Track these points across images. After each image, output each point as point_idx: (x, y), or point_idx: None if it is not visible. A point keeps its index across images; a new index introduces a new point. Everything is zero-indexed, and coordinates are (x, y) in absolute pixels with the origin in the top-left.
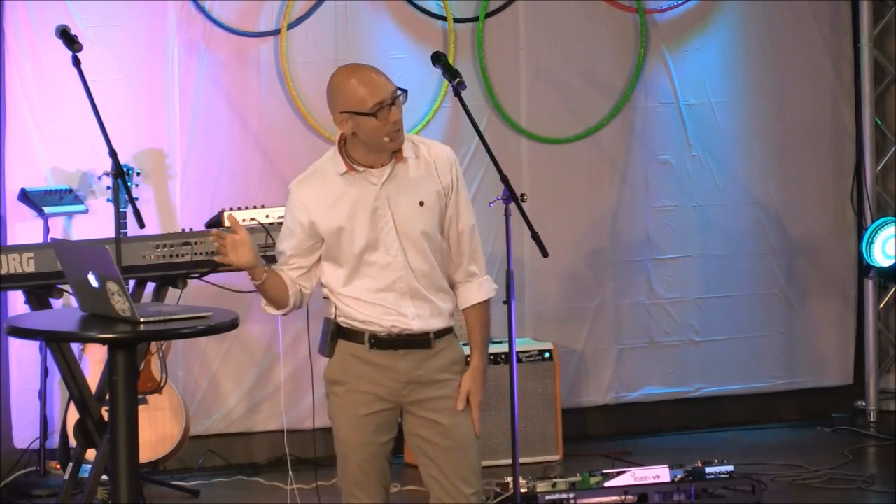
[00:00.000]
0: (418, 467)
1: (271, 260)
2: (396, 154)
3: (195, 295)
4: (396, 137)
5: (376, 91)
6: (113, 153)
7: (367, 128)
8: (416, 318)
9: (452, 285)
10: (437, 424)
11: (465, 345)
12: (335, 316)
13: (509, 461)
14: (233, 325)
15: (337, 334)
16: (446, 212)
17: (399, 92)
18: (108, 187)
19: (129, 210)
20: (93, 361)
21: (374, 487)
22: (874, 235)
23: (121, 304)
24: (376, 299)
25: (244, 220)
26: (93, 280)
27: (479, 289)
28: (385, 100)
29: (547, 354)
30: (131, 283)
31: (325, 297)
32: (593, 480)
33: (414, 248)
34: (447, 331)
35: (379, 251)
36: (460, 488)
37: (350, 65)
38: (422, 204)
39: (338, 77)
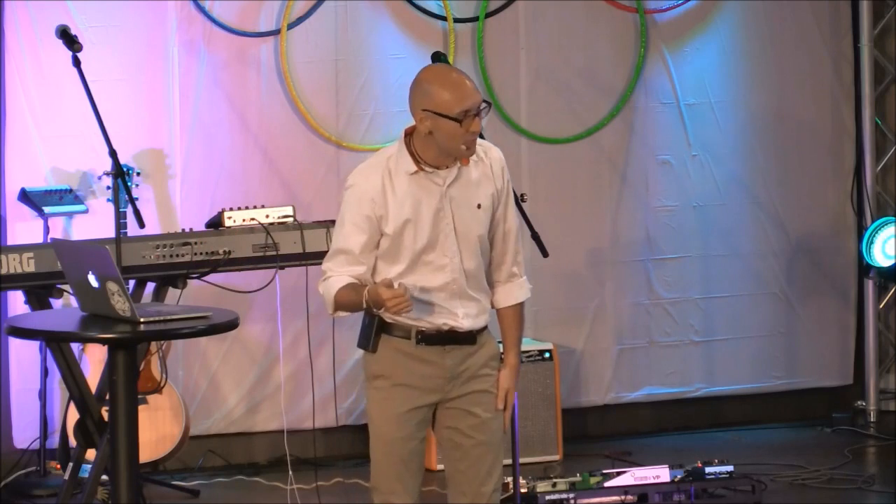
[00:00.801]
0: (443, 459)
1: (272, 260)
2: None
3: (195, 295)
4: (472, 146)
5: (466, 97)
6: (113, 153)
7: (446, 131)
8: (466, 318)
9: (492, 284)
10: (475, 417)
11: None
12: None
13: (509, 461)
14: (233, 325)
15: (381, 329)
16: (496, 213)
17: (485, 104)
18: (108, 187)
19: (129, 210)
20: (93, 361)
21: (414, 483)
22: (874, 235)
23: (121, 304)
24: (428, 297)
25: (244, 220)
26: (93, 280)
27: (521, 289)
28: (472, 108)
29: (547, 354)
30: (131, 283)
31: None
32: (593, 480)
33: (469, 250)
34: (485, 326)
35: (436, 251)
36: (483, 486)
37: (443, 65)
38: (479, 206)
39: (428, 74)
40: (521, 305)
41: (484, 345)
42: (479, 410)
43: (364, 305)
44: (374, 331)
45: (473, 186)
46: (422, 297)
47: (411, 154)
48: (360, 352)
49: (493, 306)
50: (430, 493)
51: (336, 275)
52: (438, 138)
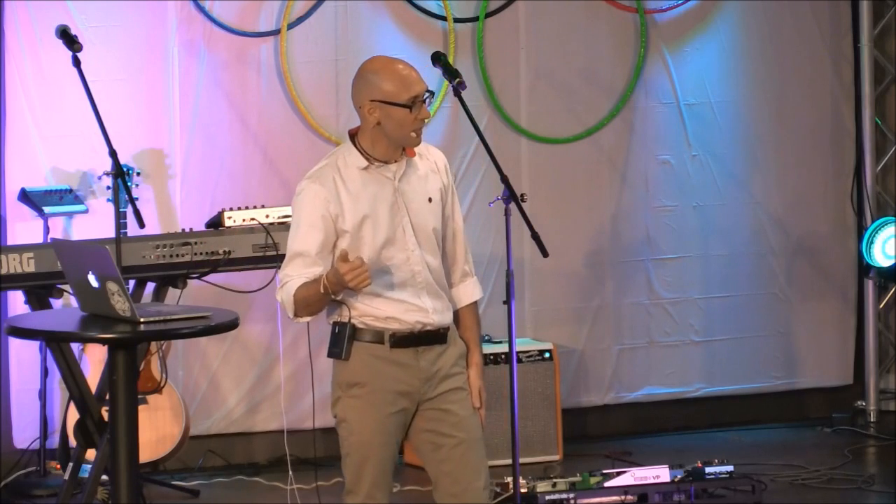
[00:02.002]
0: (425, 464)
1: (272, 260)
2: (407, 150)
3: (195, 295)
4: (420, 134)
5: (413, 85)
6: (113, 153)
7: (396, 119)
8: (435, 313)
9: (449, 284)
10: (453, 415)
11: None
12: (350, 318)
13: (509, 461)
14: (233, 325)
15: (353, 336)
16: (444, 210)
17: (428, 93)
18: (108, 187)
19: (129, 210)
20: (93, 361)
21: (389, 487)
22: (874, 235)
23: (121, 304)
24: (395, 295)
25: (244, 220)
26: (93, 280)
27: (475, 288)
28: (420, 94)
29: (547, 354)
30: (131, 283)
31: (334, 300)
32: (593, 480)
33: (427, 244)
34: (450, 325)
35: (396, 246)
36: (473, 483)
37: (384, 56)
38: (430, 200)
39: (372, 65)
40: (476, 304)
41: (452, 343)
42: (456, 408)
43: (322, 291)
44: (347, 338)
45: (422, 180)
46: (390, 296)
47: (359, 151)
48: None
49: (456, 306)
50: (412, 493)
51: (293, 279)
52: (387, 128)
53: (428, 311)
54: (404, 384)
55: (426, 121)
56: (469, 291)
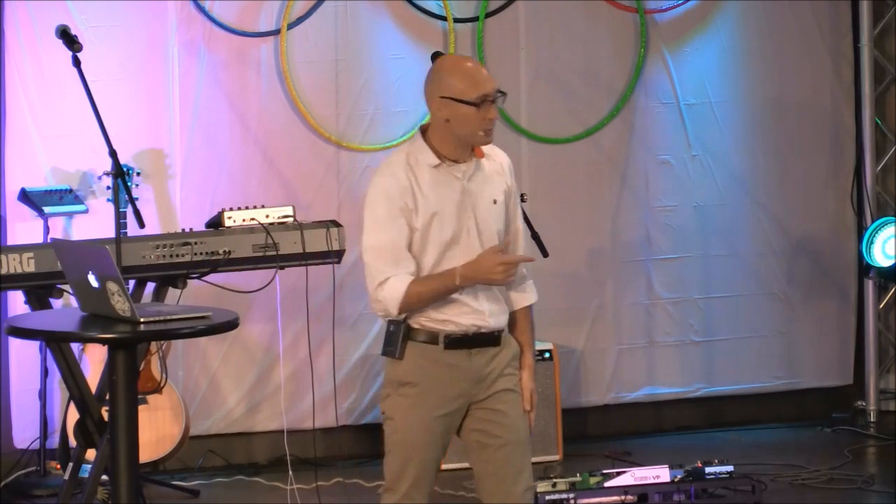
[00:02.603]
0: (471, 462)
1: (272, 260)
2: (476, 151)
3: (195, 295)
4: (489, 133)
5: (482, 83)
6: (113, 153)
7: (464, 117)
8: (492, 316)
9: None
10: (503, 415)
11: None
12: (405, 317)
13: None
14: (233, 325)
15: (408, 336)
16: (508, 211)
17: (499, 93)
18: (108, 187)
19: (129, 210)
20: (93, 361)
21: (429, 490)
22: (874, 235)
23: (121, 304)
24: (455, 296)
25: (244, 220)
26: (93, 280)
27: (531, 291)
28: (489, 94)
29: (547, 354)
30: (131, 283)
31: None
32: (593, 480)
33: (490, 245)
34: (505, 326)
35: (460, 246)
36: (514, 486)
37: (457, 55)
38: (495, 202)
39: (444, 64)
40: (531, 307)
41: (506, 345)
42: (506, 409)
43: (457, 283)
44: (402, 337)
45: (489, 182)
46: (453, 297)
47: (430, 148)
48: (360, 352)
49: (511, 308)
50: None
51: (395, 276)
52: (455, 126)
53: (485, 314)
54: (455, 387)
55: (492, 126)
56: (526, 295)
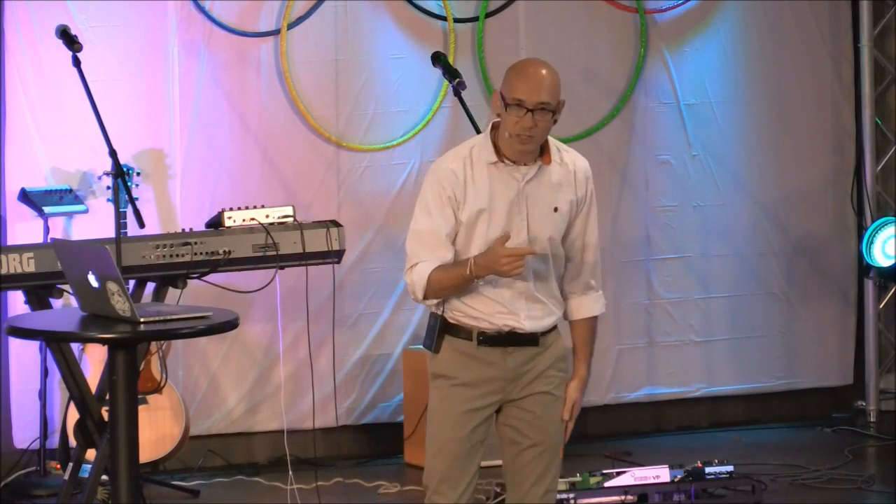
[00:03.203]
0: (501, 456)
1: (272, 260)
2: (544, 156)
3: (195, 295)
4: (523, 142)
5: (522, 87)
6: (113, 153)
7: (503, 115)
8: (529, 320)
9: (567, 294)
10: (536, 417)
11: None
12: (443, 311)
13: None
14: (233, 325)
15: (444, 330)
16: (574, 222)
17: (542, 106)
18: (108, 187)
19: (129, 210)
20: (93, 361)
21: (463, 486)
22: (874, 235)
23: (121, 304)
24: (493, 295)
25: (244, 220)
26: (93, 280)
27: (595, 302)
28: (525, 101)
29: None
30: (131, 283)
31: None
32: (593, 480)
33: (539, 251)
34: (553, 328)
35: (509, 247)
36: (534, 488)
37: (534, 58)
38: (556, 210)
39: (516, 62)
40: (594, 319)
41: (550, 346)
42: (540, 411)
43: (468, 273)
44: (438, 331)
45: (553, 189)
46: (487, 295)
47: (494, 145)
48: (360, 352)
49: (566, 317)
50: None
51: (426, 261)
52: (502, 121)
53: (520, 317)
54: (489, 382)
55: (529, 134)
56: (588, 305)
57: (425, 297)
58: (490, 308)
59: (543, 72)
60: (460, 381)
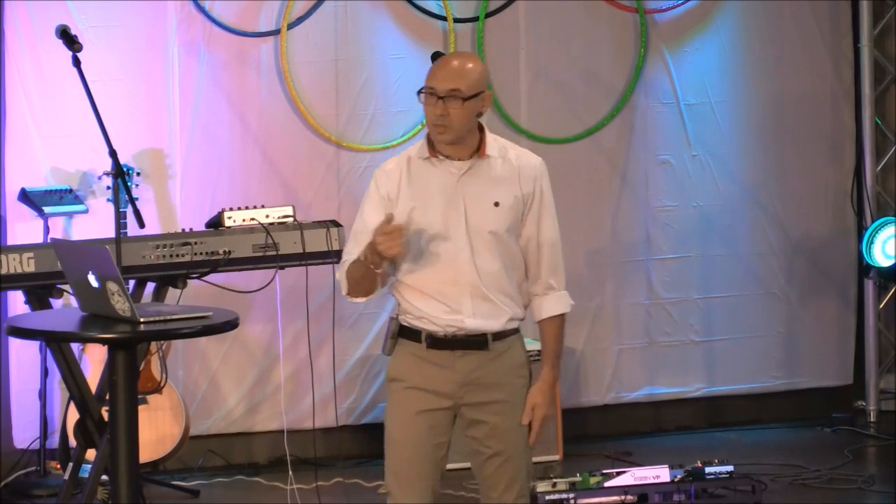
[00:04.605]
0: (471, 464)
1: (272, 260)
2: (479, 150)
3: (195, 295)
4: (436, 132)
5: (435, 77)
6: (113, 153)
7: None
8: (472, 317)
9: (530, 296)
10: (491, 427)
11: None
12: (397, 314)
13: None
14: (233, 325)
15: (398, 333)
16: (525, 220)
17: (452, 91)
18: (108, 187)
19: (129, 210)
20: (93, 361)
21: (420, 488)
22: (874, 235)
23: (121, 304)
24: (436, 293)
25: (244, 220)
26: (93, 280)
27: (557, 302)
28: (435, 89)
29: None
30: (131, 283)
31: (391, 291)
32: (593, 480)
33: (483, 246)
34: (509, 333)
35: (448, 242)
36: (504, 495)
37: (460, 52)
38: (497, 205)
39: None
40: (559, 319)
41: (504, 353)
42: (497, 420)
43: (362, 259)
44: (390, 334)
45: (492, 183)
46: (431, 293)
47: (430, 142)
48: (360, 352)
49: (533, 319)
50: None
51: (350, 255)
52: None
53: (462, 314)
54: (440, 385)
55: (441, 123)
56: (549, 306)
57: (349, 293)
58: (435, 308)
59: (456, 62)
60: (413, 384)
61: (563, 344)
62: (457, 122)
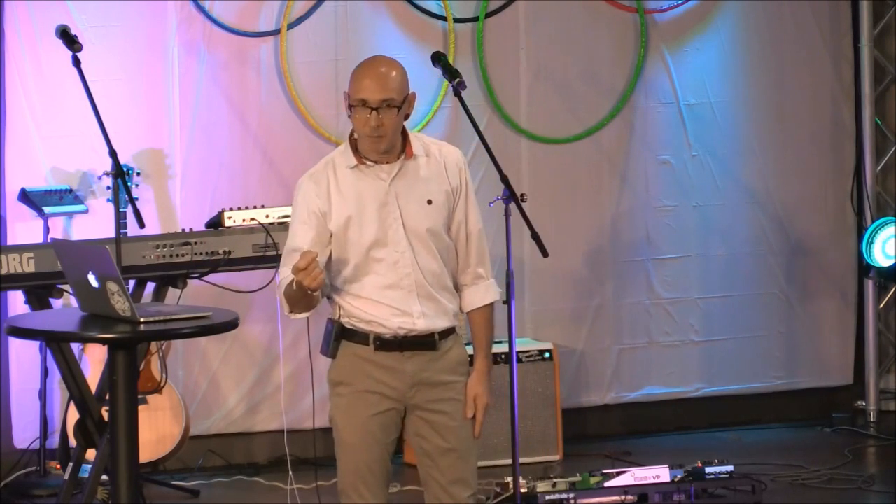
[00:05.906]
0: (418, 466)
1: (272, 260)
2: (406, 151)
3: (195, 295)
4: (371, 141)
5: (365, 88)
6: (113, 153)
7: (351, 116)
8: (422, 317)
9: (458, 287)
10: (440, 426)
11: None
12: (339, 317)
13: (509, 461)
14: (233, 325)
15: (341, 335)
16: (454, 213)
17: (386, 101)
18: (108, 187)
19: (129, 210)
20: (93, 361)
21: (379, 487)
22: (874, 235)
23: (121, 304)
24: (383, 298)
25: (244, 220)
26: (93, 280)
27: (486, 291)
28: (368, 101)
29: (547, 354)
30: (131, 283)
31: (329, 298)
32: (593, 480)
33: (422, 246)
34: (451, 331)
35: (388, 247)
36: (457, 492)
37: (378, 56)
38: (430, 202)
39: (364, 59)
40: (489, 308)
41: (448, 351)
42: (446, 419)
43: (296, 287)
44: (334, 337)
45: (423, 182)
46: (377, 298)
47: (354, 149)
48: None
49: (461, 311)
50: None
51: (287, 279)
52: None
53: (412, 315)
54: (389, 386)
55: (377, 133)
56: (478, 295)
57: (291, 312)
58: (383, 311)
59: (383, 69)
60: (362, 388)
61: (493, 332)
62: (391, 130)
